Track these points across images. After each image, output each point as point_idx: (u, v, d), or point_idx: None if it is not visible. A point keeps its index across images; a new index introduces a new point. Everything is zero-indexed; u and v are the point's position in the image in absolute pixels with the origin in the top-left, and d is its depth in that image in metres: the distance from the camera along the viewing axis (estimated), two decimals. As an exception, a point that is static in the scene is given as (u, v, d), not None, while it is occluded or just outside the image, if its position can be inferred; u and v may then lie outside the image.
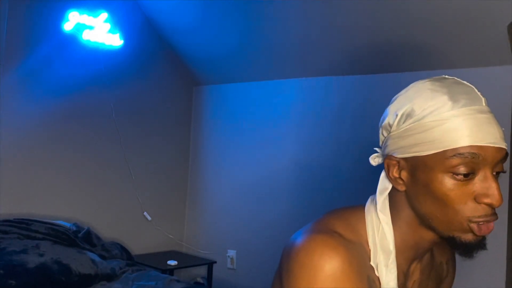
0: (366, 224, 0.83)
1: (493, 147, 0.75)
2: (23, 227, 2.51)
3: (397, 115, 0.80)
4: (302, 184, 3.17)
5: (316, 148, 3.11)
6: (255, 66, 3.35)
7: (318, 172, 3.10)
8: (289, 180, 3.23)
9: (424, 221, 0.80)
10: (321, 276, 0.73)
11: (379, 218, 0.82)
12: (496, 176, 0.78)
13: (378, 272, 0.80)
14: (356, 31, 2.72)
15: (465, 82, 0.80)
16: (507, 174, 2.29)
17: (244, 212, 3.45)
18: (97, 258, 2.52)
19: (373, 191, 0.89)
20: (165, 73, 3.65)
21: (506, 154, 0.77)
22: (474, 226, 0.75)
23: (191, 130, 3.84)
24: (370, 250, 0.81)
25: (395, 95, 0.86)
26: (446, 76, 0.82)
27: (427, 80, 0.81)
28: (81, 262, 2.41)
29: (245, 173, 3.46)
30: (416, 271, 0.88)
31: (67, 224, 2.73)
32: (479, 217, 0.75)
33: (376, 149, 0.89)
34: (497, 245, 2.35)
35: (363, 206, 0.87)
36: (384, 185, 0.84)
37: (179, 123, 3.77)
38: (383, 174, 0.85)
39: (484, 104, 0.77)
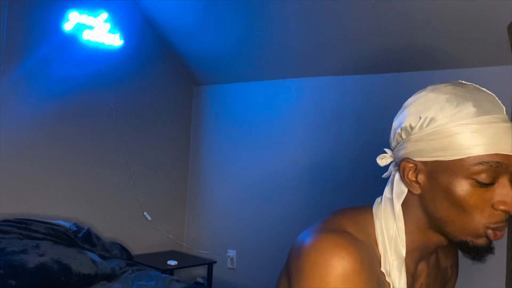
0: (376, 228, 0.83)
1: None
2: (23, 227, 2.51)
3: (420, 118, 0.79)
4: (302, 184, 3.17)
5: (316, 148, 3.11)
6: (255, 66, 3.35)
7: (318, 172, 3.10)
8: (289, 180, 3.23)
9: (437, 225, 0.80)
10: (332, 276, 0.73)
11: (395, 222, 0.82)
12: None
13: (389, 278, 0.80)
14: (357, 31, 2.72)
15: (484, 89, 0.80)
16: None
17: (244, 212, 3.45)
18: (97, 258, 2.52)
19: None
20: (165, 73, 3.65)
21: None
22: (490, 232, 0.77)
23: (191, 130, 3.84)
24: (380, 252, 0.81)
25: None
26: (464, 82, 0.82)
27: (447, 84, 0.81)
28: (81, 262, 2.41)
29: (245, 173, 3.46)
30: (423, 272, 0.88)
31: (67, 224, 2.73)
32: (495, 223, 0.76)
33: (386, 149, 0.88)
34: (497, 245, 2.35)
35: (369, 206, 0.86)
36: (400, 188, 0.83)
37: (179, 123, 3.77)
38: (397, 177, 0.84)
39: (504, 112, 0.78)
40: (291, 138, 3.24)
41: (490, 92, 0.80)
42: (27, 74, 2.93)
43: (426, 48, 2.56)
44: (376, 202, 0.86)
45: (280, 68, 3.25)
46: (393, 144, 0.86)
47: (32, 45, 2.94)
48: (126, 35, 3.30)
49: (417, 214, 0.82)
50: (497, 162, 0.74)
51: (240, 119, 3.53)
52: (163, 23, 3.48)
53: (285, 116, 3.27)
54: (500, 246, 2.35)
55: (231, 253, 3.49)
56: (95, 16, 3.12)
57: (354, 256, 0.75)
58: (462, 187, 0.76)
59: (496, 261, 2.36)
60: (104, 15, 3.14)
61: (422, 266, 0.87)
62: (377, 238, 0.82)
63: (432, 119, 0.77)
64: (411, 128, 0.80)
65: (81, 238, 2.67)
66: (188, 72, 3.75)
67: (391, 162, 0.88)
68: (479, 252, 0.78)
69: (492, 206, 0.76)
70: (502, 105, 0.79)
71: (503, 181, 0.76)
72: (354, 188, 2.87)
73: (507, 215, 0.77)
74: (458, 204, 0.76)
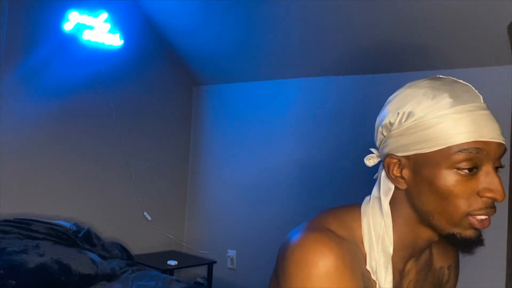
0: (362, 226, 0.83)
1: (496, 142, 0.76)
2: (23, 227, 2.51)
3: (398, 114, 0.80)
4: (302, 184, 3.17)
5: (316, 148, 3.11)
6: (255, 66, 3.35)
7: (318, 172, 3.10)
8: (289, 180, 3.23)
9: (425, 218, 0.81)
10: (315, 274, 0.74)
11: (383, 219, 0.82)
12: (496, 171, 0.79)
13: (374, 276, 0.80)
14: (357, 31, 2.72)
15: (461, 81, 0.81)
16: (507, 172, 2.29)
17: (244, 212, 3.45)
18: (97, 258, 2.52)
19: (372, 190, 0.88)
20: (165, 73, 3.65)
21: (505, 149, 0.79)
22: (474, 220, 0.77)
23: (191, 130, 3.84)
24: (365, 251, 0.81)
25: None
26: (442, 76, 0.83)
27: (424, 79, 0.82)
28: (81, 262, 2.41)
29: (245, 173, 3.46)
30: (412, 270, 0.88)
31: (67, 224, 2.73)
32: (480, 209, 0.76)
33: (372, 149, 0.89)
34: (497, 245, 2.35)
35: (358, 205, 0.87)
36: (387, 185, 0.84)
37: (179, 123, 3.77)
38: (383, 174, 0.84)
39: (482, 101, 0.79)
40: (291, 138, 3.24)
41: (466, 83, 0.81)
42: (27, 74, 2.93)
43: (426, 48, 2.56)
44: (365, 200, 0.87)
45: (280, 68, 3.25)
46: (377, 143, 0.87)
47: (32, 45, 2.94)
48: (126, 35, 3.30)
49: (405, 210, 0.82)
50: (477, 149, 0.75)
51: (240, 119, 3.53)
52: (163, 23, 3.48)
53: (285, 116, 3.27)
54: (500, 246, 2.35)
55: (231, 253, 3.49)
56: (95, 16, 3.12)
57: (336, 253, 0.75)
58: (446, 177, 0.76)
59: (496, 261, 2.36)
60: (104, 15, 3.14)
61: (411, 264, 0.87)
62: (362, 236, 0.82)
63: (410, 113, 0.78)
64: (391, 124, 0.81)
65: (81, 238, 2.67)
66: (188, 72, 3.75)
67: (379, 161, 0.88)
68: (468, 244, 0.78)
69: (478, 194, 0.76)
70: (479, 94, 0.79)
71: (487, 168, 0.77)
72: (354, 187, 2.87)
73: (492, 202, 0.77)
74: (443, 195, 0.77)
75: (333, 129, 3.04)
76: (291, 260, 0.76)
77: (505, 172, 2.30)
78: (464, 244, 0.78)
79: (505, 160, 2.43)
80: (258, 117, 3.42)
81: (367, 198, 0.87)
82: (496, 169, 0.79)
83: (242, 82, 3.52)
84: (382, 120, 0.84)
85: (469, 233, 0.78)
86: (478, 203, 0.76)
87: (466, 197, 0.76)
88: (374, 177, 0.90)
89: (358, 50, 2.81)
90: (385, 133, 0.83)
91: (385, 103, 0.85)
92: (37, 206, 2.95)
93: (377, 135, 0.86)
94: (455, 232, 0.78)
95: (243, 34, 3.22)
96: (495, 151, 0.77)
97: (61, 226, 2.62)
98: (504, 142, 0.78)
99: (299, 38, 2.99)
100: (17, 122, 2.89)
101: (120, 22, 3.28)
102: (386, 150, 0.83)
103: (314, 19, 2.81)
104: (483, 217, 0.77)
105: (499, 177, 0.77)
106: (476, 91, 0.80)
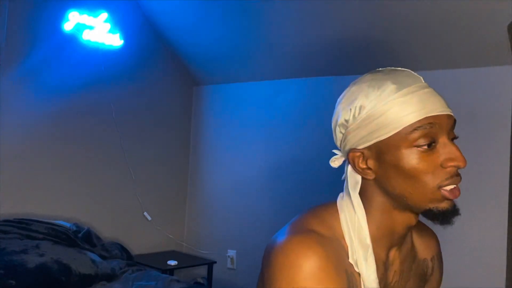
0: (341, 221, 0.85)
1: (445, 114, 0.81)
2: (23, 227, 2.51)
3: (351, 110, 0.84)
4: (302, 184, 3.17)
5: (316, 147, 3.11)
6: (255, 66, 3.35)
7: (318, 171, 3.10)
8: (289, 180, 3.23)
9: (399, 202, 0.83)
10: (300, 276, 0.75)
11: (355, 212, 0.85)
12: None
13: (357, 268, 0.82)
14: (356, 31, 2.72)
15: (399, 68, 0.87)
16: (507, 172, 2.29)
17: (244, 212, 3.45)
18: (97, 258, 2.53)
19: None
20: (165, 73, 3.65)
21: (455, 120, 0.83)
22: (445, 192, 0.80)
23: (191, 130, 3.84)
24: (347, 246, 0.83)
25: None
26: (380, 68, 0.88)
27: (366, 74, 0.87)
28: (81, 262, 2.41)
29: (245, 173, 3.46)
30: (395, 260, 0.90)
31: (67, 224, 2.73)
32: (446, 179, 0.80)
33: (335, 151, 0.92)
34: (497, 245, 2.35)
35: (335, 202, 0.89)
36: (354, 179, 0.87)
37: (179, 123, 3.77)
38: (349, 169, 0.87)
39: (423, 81, 0.83)
40: (291, 138, 3.24)
41: (405, 69, 0.86)
42: (27, 74, 2.93)
43: (426, 48, 2.56)
44: (339, 197, 0.89)
45: (280, 68, 3.25)
46: (338, 143, 0.90)
47: (32, 45, 2.94)
48: (126, 35, 3.30)
49: (378, 199, 0.85)
50: (430, 124, 0.79)
51: (240, 119, 3.53)
52: (163, 23, 3.48)
53: (285, 116, 3.27)
54: (500, 246, 2.35)
55: (231, 253, 3.49)
56: (95, 16, 3.12)
57: (320, 254, 0.77)
58: (408, 157, 0.80)
59: (496, 261, 2.36)
60: (104, 15, 3.14)
61: (394, 254, 0.89)
62: (343, 231, 0.84)
63: (361, 107, 0.83)
64: (346, 121, 0.85)
65: (81, 238, 2.67)
66: (188, 72, 3.75)
67: (344, 161, 0.91)
68: (445, 215, 0.81)
69: (441, 165, 0.80)
70: (418, 76, 0.84)
71: (443, 140, 0.81)
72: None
73: (457, 170, 0.81)
74: (409, 174, 0.80)
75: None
76: (276, 264, 0.78)
77: (505, 172, 2.31)
78: (442, 216, 0.81)
79: (505, 160, 2.43)
80: (258, 117, 3.42)
81: (341, 194, 0.90)
82: (452, 140, 0.82)
83: (242, 82, 3.52)
84: (337, 120, 0.87)
85: (444, 205, 0.80)
86: (443, 174, 0.80)
87: (431, 171, 0.80)
88: (342, 178, 0.92)
89: (358, 50, 2.81)
90: (343, 131, 0.87)
91: (336, 105, 0.89)
92: (37, 206, 2.95)
93: (336, 135, 0.89)
94: (431, 207, 0.81)
95: (243, 34, 3.22)
96: (446, 122, 0.81)
97: (61, 226, 2.62)
98: (452, 114, 0.82)
99: (298, 38, 2.99)
100: (17, 122, 2.89)
101: (120, 22, 3.28)
102: (348, 147, 0.86)
103: (314, 19, 2.81)
104: (451, 186, 0.80)
105: (457, 146, 0.81)
106: (416, 73, 0.84)
